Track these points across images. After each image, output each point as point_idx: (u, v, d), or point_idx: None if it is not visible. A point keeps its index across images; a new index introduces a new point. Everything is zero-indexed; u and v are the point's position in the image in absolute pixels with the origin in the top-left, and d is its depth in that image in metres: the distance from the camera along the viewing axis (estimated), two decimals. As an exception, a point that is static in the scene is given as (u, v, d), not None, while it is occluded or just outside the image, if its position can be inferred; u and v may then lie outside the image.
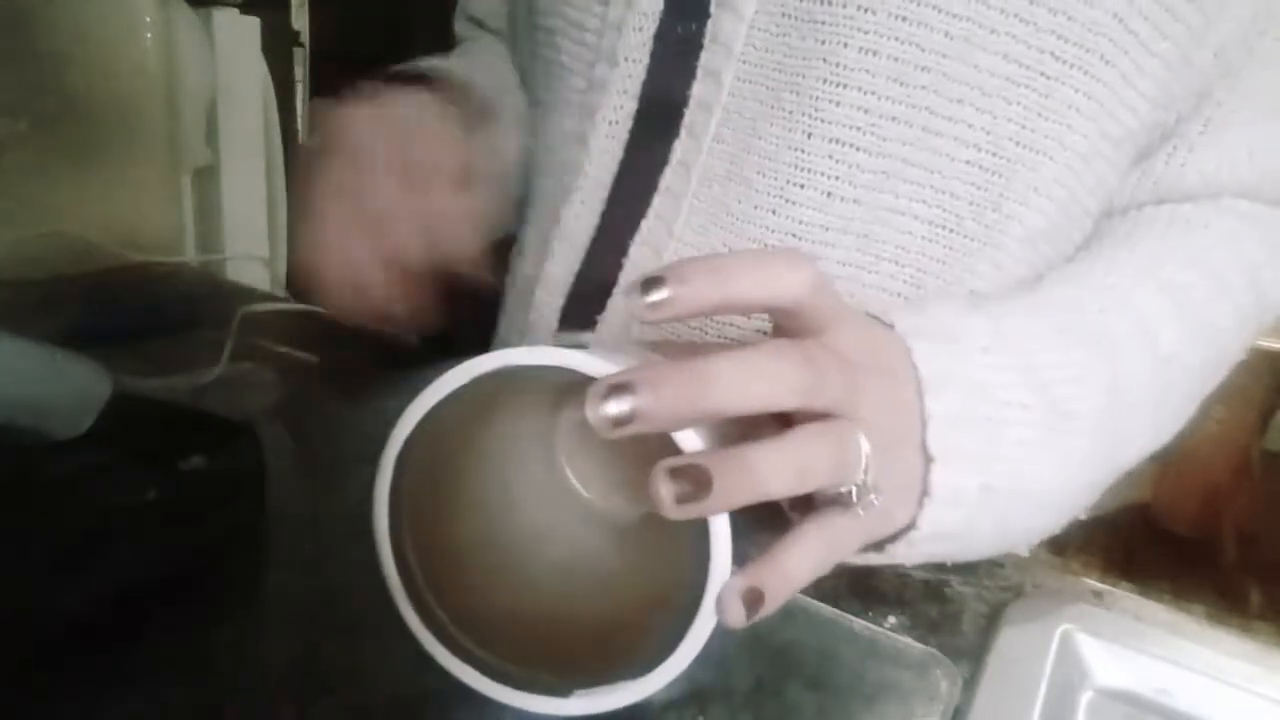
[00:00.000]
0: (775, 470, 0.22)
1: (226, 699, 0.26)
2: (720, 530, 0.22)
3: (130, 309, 0.60)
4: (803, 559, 0.24)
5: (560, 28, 0.42)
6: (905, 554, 0.30)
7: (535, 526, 0.29)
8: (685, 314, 0.22)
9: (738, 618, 0.23)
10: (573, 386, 0.23)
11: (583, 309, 0.42)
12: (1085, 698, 0.32)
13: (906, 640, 0.32)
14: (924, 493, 0.28)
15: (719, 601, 0.22)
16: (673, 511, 0.20)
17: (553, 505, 0.29)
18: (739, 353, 0.22)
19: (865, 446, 0.24)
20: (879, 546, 0.30)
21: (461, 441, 0.27)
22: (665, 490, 0.20)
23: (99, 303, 0.60)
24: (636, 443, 0.21)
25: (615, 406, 0.19)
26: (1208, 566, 1.78)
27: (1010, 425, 0.29)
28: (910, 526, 0.28)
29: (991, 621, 0.33)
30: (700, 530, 0.22)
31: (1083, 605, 0.35)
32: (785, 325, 0.25)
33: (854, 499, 0.24)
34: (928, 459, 0.28)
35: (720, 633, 0.31)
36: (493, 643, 0.25)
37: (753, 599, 0.23)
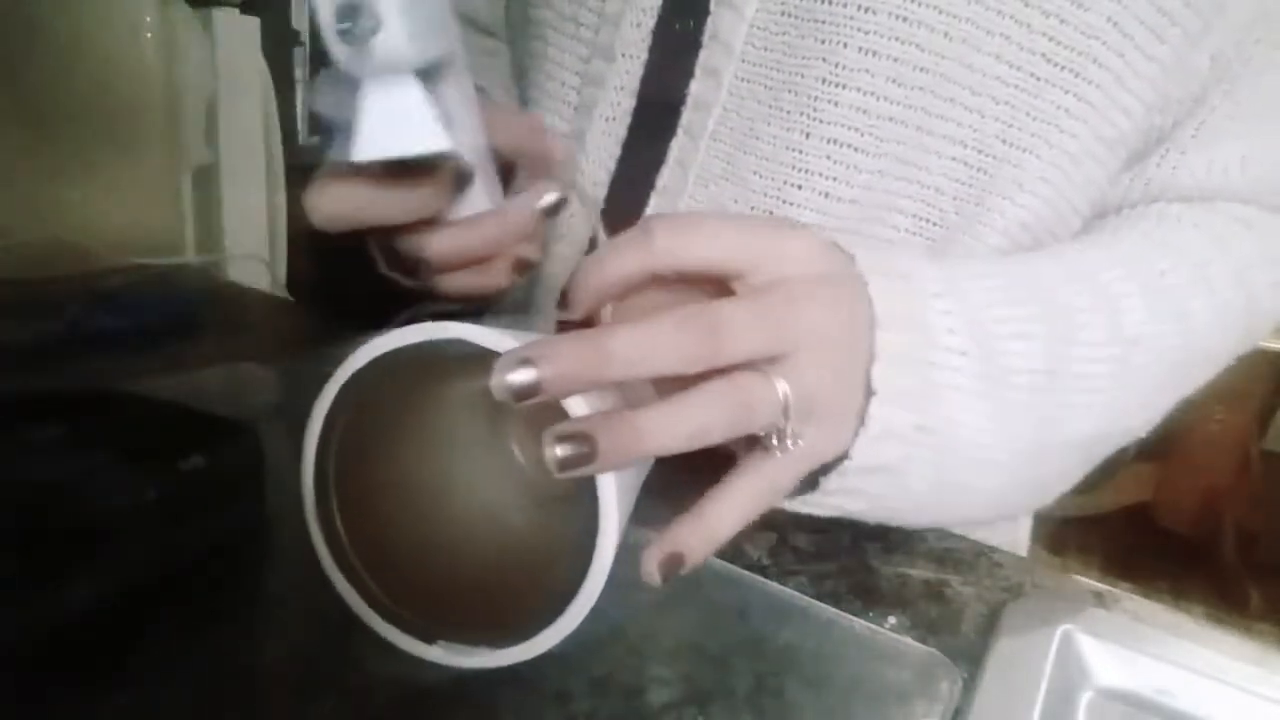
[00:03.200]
0: (664, 431, 0.23)
1: (226, 699, 0.26)
2: (608, 510, 0.24)
3: (130, 309, 0.60)
4: (728, 514, 0.26)
5: (552, 20, 0.41)
6: (838, 485, 0.31)
7: (467, 491, 0.30)
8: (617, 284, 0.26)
9: (654, 580, 0.25)
10: None
11: None
12: (1085, 698, 0.32)
13: (906, 640, 0.32)
14: (860, 424, 0.29)
15: (641, 565, 0.24)
16: (559, 472, 0.22)
17: (488, 473, 0.31)
18: (642, 325, 0.23)
19: (783, 391, 0.25)
20: (812, 482, 0.31)
21: (403, 404, 0.28)
22: (550, 453, 0.22)
23: (99, 303, 0.59)
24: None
25: (517, 378, 0.21)
26: (1208, 566, 1.78)
27: (946, 371, 0.30)
28: (843, 457, 0.29)
29: (991, 621, 0.33)
30: (594, 508, 0.24)
31: (1083, 605, 0.35)
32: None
33: (774, 441, 0.26)
34: (868, 392, 0.28)
35: (720, 633, 0.31)
36: (394, 584, 0.28)
37: (671, 562, 0.25)
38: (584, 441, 0.22)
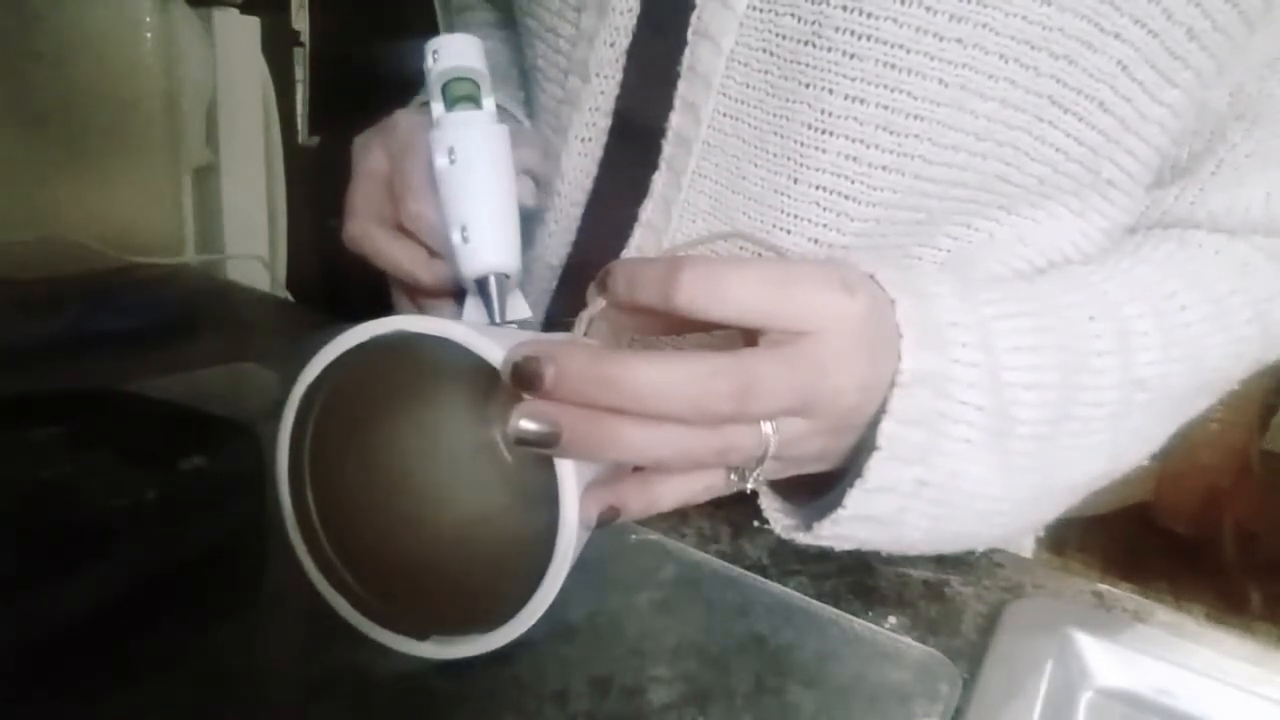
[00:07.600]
0: (634, 447, 0.24)
1: (226, 699, 0.26)
2: (569, 507, 0.24)
3: (130, 309, 0.60)
4: (669, 494, 0.27)
5: (535, 30, 0.41)
6: (831, 533, 0.31)
7: (446, 481, 0.30)
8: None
9: (590, 522, 0.25)
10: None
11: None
12: (1085, 698, 0.32)
13: (906, 640, 0.32)
14: (857, 475, 0.29)
15: (582, 502, 0.25)
16: (516, 444, 0.23)
17: (470, 464, 0.31)
18: (667, 364, 0.23)
19: (770, 442, 0.26)
20: (806, 526, 0.32)
21: (384, 392, 0.28)
22: (514, 424, 0.22)
23: (99, 303, 0.59)
24: None
25: (523, 369, 0.22)
26: (1208, 566, 1.78)
27: (960, 425, 0.29)
28: (837, 505, 0.30)
29: (991, 621, 0.33)
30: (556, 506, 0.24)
31: (1083, 605, 0.35)
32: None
33: (733, 476, 0.28)
34: (871, 447, 0.28)
35: (720, 633, 0.31)
36: (377, 582, 0.28)
37: (610, 512, 0.26)
38: (552, 425, 0.22)
